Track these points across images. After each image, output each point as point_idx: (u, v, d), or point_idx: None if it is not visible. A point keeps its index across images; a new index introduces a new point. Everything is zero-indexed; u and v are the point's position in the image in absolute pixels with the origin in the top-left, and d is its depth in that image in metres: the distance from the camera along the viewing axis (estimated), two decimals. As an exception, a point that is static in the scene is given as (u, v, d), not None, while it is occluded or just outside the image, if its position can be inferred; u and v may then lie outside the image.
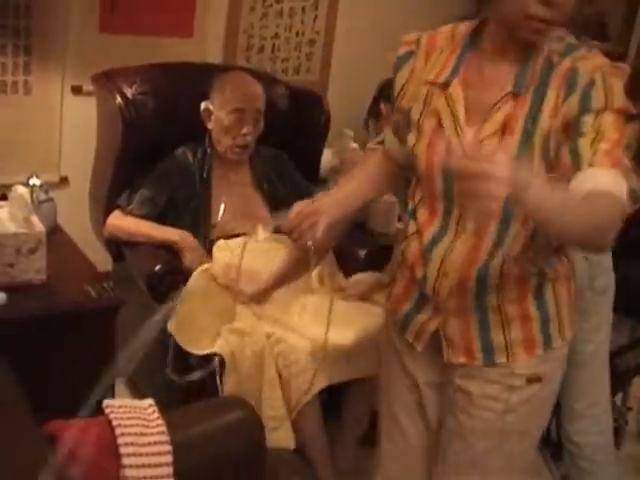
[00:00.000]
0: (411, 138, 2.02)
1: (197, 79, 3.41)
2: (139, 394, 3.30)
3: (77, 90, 3.76)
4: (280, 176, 3.47)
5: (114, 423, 1.86)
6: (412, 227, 2.06)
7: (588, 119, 1.77)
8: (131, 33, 3.85)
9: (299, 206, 2.14)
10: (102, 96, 3.42)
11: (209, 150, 3.34)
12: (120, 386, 3.30)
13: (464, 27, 2.00)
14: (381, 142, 2.92)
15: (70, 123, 3.78)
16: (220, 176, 3.34)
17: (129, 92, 3.29)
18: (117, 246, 3.32)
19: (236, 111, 3.26)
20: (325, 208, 2.13)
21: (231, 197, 3.33)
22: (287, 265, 3.05)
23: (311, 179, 3.63)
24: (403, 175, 2.24)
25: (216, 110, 3.29)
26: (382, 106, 3.14)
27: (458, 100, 1.91)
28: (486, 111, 1.88)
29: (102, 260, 3.36)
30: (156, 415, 1.95)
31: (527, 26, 1.79)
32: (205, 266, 3.11)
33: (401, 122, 2.10)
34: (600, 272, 2.86)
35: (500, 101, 1.86)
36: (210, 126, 3.31)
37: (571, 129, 1.79)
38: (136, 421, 1.91)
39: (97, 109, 3.47)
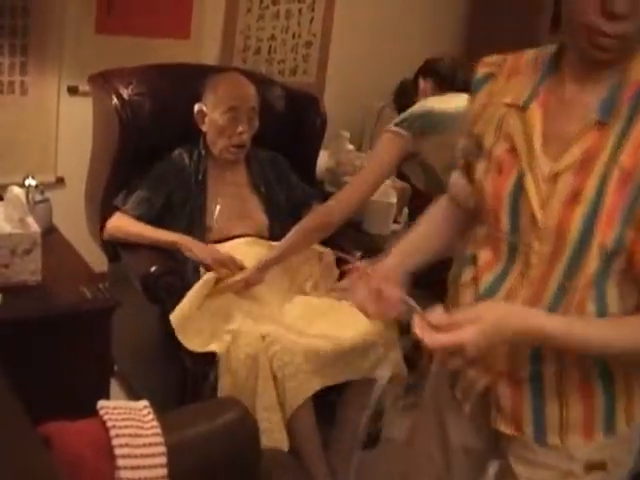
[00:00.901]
0: (480, 167, 1.78)
1: (193, 80, 3.41)
2: (134, 395, 3.30)
3: (73, 90, 3.76)
4: (277, 178, 3.47)
5: (109, 424, 1.85)
6: (468, 274, 1.83)
7: None
8: (128, 34, 3.85)
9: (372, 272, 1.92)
10: (98, 97, 3.41)
11: (204, 152, 3.34)
12: (115, 387, 3.31)
13: (547, 51, 1.77)
14: (399, 124, 2.94)
15: (66, 124, 3.78)
16: (216, 178, 3.34)
17: (125, 93, 3.29)
18: (113, 247, 3.32)
19: (230, 110, 3.25)
20: (393, 267, 1.95)
21: (227, 199, 3.33)
22: (298, 235, 3.05)
23: (307, 180, 3.63)
24: (470, 224, 1.93)
25: (210, 111, 3.28)
26: (421, 81, 3.17)
27: (536, 124, 1.68)
28: (566, 141, 1.63)
29: (98, 261, 3.36)
30: (151, 417, 1.95)
31: (592, 43, 1.56)
32: (210, 274, 3.12)
33: (471, 148, 1.86)
34: None
35: (582, 131, 1.61)
36: (204, 128, 3.31)
37: None
38: (131, 422, 1.91)
39: (93, 110, 3.47)
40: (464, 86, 3.02)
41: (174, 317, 2.95)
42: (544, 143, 1.67)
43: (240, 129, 3.28)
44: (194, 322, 2.98)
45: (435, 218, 2.07)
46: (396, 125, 2.95)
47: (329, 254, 3.36)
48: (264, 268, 3.16)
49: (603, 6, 1.52)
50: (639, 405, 1.74)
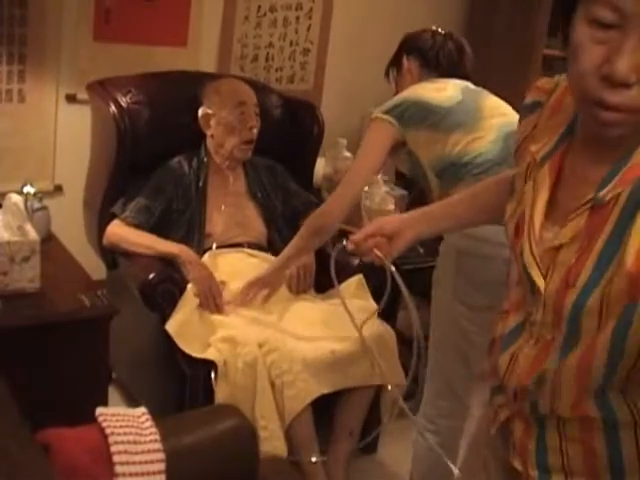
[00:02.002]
0: (509, 209, 1.61)
1: (191, 88, 3.42)
2: (133, 402, 3.30)
3: (71, 98, 3.76)
4: (274, 186, 3.48)
5: (107, 431, 1.86)
6: (505, 303, 1.67)
7: None
8: (125, 42, 3.85)
9: (380, 221, 2.02)
10: (96, 105, 3.42)
11: (205, 159, 3.35)
12: (114, 394, 3.31)
13: None
14: (389, 111, 2.86)
15: (64, 131, 3.78)
16: (215, 185, 3.36)
17: (123, 101, 3.30)
18: (111, 255, 3.33)
19: (239, 105, 3.32)
20: (411, 223, 2.02)
21: (226, 206, 3.35)
22: (297, 243, 3.00)
23: (305, 187, 3.64)
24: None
25: (217, 112, 3.32)
26: (404, 59, 3.11)
27: (541, 190, 1.48)
28: (567, 215, 1.42)
29: (96, 268, 3.37)
30: (149, 423, 1.95)
31: (595, 117, 1.30)
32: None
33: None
34: None
35: (581, 207, 1.39)
36: (210, 132, 3.33)
37: None
38: (129, 429, 1.91)
39: (91, 118, 3.48)
40: (452, 68, 3.00)
41: (170, 326, 2.95)
42: (551, 210, 1.48)
43: (250, 124, 3.33)
44: (191, 328, 2.99)
45: (478, 190, 2.07)
46: (385, 113, 2.77)
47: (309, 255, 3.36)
48: (267, 280, 3.16)
49: (603, 69, 1.25)
50: None
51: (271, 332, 3.01)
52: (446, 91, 2.83)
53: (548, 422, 1.51)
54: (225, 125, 3.31)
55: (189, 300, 3.04)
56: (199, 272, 3.13)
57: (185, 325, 2.98)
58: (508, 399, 1.58)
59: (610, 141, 1.35)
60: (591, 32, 1.27)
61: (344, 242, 1.99)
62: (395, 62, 3.09)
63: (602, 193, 1.34)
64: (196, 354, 2.93)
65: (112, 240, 3.27)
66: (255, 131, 3.35)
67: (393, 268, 1.90)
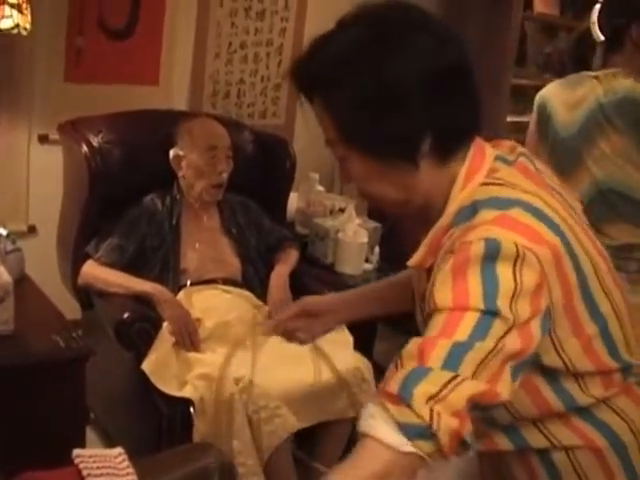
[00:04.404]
0: None
1: (163, 126, 3.44)
2: (110, 443, 3.29)
3: (44, 139, 3.76)
4: (248, 223, 3.49)
5: (84, 473, 1.86)
6: None
7: None
8: (97, 82, 3.87)
9: (305, 302, 1.97)
10: (68, 145, 3.43)
11: (178, 196, 3.35)
12: (92, 435, 3.29)
13: None
14: None
15: (37, 172, 3.78)
16: (189, 222, 3.36)
17: (95, 141, 3.31)
18: (86, 295, 3.32)
19: (209, 149, 3.30)
20: (338, 308, 1.96)
21: (201, 243, 3.35)
22: None
23: (278, 222, 3.65)
24: None
25: (187, 154, 3.31)
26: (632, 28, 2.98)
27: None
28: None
29: (71, 309, 3.36)
30: (126, 464, 1.95)
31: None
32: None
33: None
34: None
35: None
36: (181, 173, 3.33)
37: None
38: (106, 470, 1.91)
39: (63, 158, 3.49)
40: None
41: (146, 366, 2.95)
42: None
43: (220, 168, 3.31)
44: (167, 367, 2.99)
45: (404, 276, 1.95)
46: None
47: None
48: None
49: None
50: None
51: (247, 368, 3.00)
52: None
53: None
54: (195, 168, 3.30)
55: (165, 339, 3.04)
56: (174, 311, 3.13)
57: (161, 364, 2.98)
58: None
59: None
60: None
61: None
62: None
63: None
64: (173, 392, 2.92)
65: (86, 280, 3.27)
66: (225, 175, 3.34)
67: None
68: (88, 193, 3.30)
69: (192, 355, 3.07)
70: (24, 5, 3.07)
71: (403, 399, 1.23)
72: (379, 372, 3.33)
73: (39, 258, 3.43)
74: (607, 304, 1.53)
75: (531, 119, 2.97)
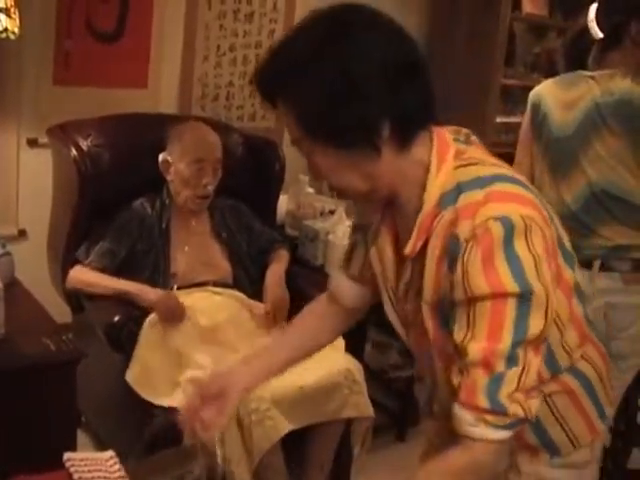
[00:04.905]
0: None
1: (152, 130, 3.44)
2: (102, 446, 3.29)
3: (33, 143, 3.77)
4: (238, 226, 3.48)
5: (75, 477, 1.87)
6: None
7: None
8: (86, 85, 3.87)
9: (201, 385, 1.92)
10: (57, 149, 3.43)
11: (167, 201, 3.35)
12: (83, 438, 3.29)
13: None
14: None
15: (27, 176, 3.78)
16: (179, 226, 3.35)
17: (84, 144, 3.31)
18: (76, 298, 3.32)
19: (196, 162, 3.27)
20: (241, 370, 1.96)
21: (191, 246, 3.34)
22: None
23: (268, 224, 3.66)
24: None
25: (175, 162, 3.29)
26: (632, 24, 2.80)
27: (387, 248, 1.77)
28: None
29: (62, 312, 3.36)
30: (117, 467, 1.96)
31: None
32: (152, 316, 3.12)
33: None
34: (621, 336, 2.79)
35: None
36: (169, 178, 3.32)
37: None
38: (97, 473, 1.92)
39: (53, 162, 3.49)
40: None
41: (129, 377, 2.96)
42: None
43: (205, 181, 3.29)
44: (152, 374, 3.00)
45: (309, 316, 2.07)
46: None
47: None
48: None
49: None
50: (583, 430, 1.81)
51: None
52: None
53: None
54: (181, 178, 3.28)
55: (148, 339, 3.04)
56: (157, 294, 3.13)
57: (145, 372, 2.99)
58: None
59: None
60: None
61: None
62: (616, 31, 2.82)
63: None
64: (159, 401, 2.93)
65: (74, 285, 3.26)
66: (210, 188, 3.31)
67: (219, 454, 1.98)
68: (78, 196, 3.30)
69: (182, 352, 3.07)
70: (12, 9, 3.07)
71: (498, 411, 1.49)
72: (369, 373, 3.35)
73: (29, 262, 3.43)
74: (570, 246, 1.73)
75: (524, 117, 2.97)
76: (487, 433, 1.51)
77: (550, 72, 2.94)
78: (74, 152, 3.29)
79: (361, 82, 1.50)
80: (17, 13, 3.12)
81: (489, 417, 1.49)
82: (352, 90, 1.49)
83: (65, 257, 3.34)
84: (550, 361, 1.67)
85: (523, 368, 1.48)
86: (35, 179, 3.75)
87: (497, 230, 1.47)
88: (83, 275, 3.24)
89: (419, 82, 1.58)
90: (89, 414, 3.44)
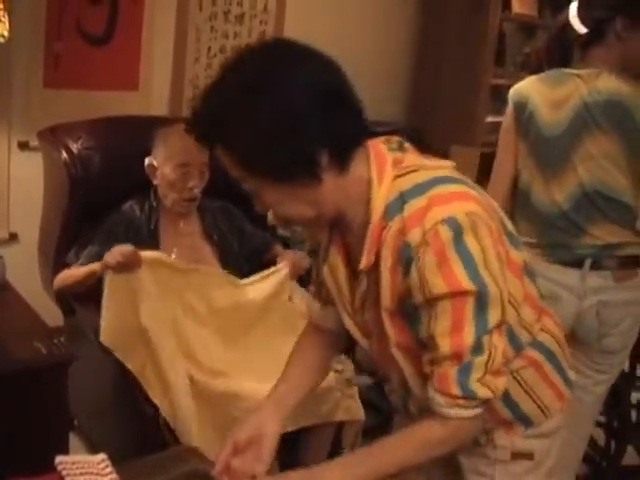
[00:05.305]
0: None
1: (142, 132, 3.43)
2: (94, 449, 3.29)
3: (24, 146, 3.76)
4: (229, 227, 3.47)
5: (66, 480, 1.86)
6: None
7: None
8: (76, 87, 3.86)
9: (232, 434, 1.94)
10: (48, 152, 3.43)
11: (155, 203, 3.33)
12: (76, 442, 3.29)
13: None
14: None
15: (18, 179, 3.77)
16: (169, 228, 3.34)
17: (74, 147, 3.31)
18: (67, 301, 3.32)
19: (182, 166, 3.23)
20: (267, 417, 1.97)
21: (181, 248, 3.33)
22: None
23: (259, 225, 3.65)
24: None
25: (161, 166, 3.26)
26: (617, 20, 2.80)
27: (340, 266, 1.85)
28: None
29: (53, 315, 3.35)
30: (109, 469, 1.96)
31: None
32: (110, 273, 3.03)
33: None
34: (612, 332, 2.84)
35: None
36: (156, 182, 3.30)
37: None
38: (89, 476, 1.92)
39: (43, 165, 3.49)
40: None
41: (104, 336, 2.94)
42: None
43: (191, 184, 3.26)
44: (127, 332, 2.97)
45: (303, 349, 2.09)
46: None
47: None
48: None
49: None
50: (552, 399, 1.93)
51: (230, 369, 2.99)
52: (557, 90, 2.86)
53: None
54: (167, 181, 3.25)
55: (113, 293, 3.00)
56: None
57: (120, 330, 2.96)
58: None
59: None
60: None
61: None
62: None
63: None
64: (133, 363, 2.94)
65: (58, 285, 3.24)
66: (197, 191, 3.28)
67: None
68: (68, 199, 3.30)
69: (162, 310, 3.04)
70: (2, 13, 3.07)
71: (469, 397, 1.64)
72: (360, 372, 3.35)
73: (20, 265, 3.43)
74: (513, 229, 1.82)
75: (506, 116, 2.94)
76: (461, 413, 1.66)
77: (540, 72, 2.93)
78: (64, 155, 3.29)
79: (294, 118, 1.55)
80: (7, 16, 3.12)
81: (461, 402, 1.65)
82: (287, 127, 1.54)
83: (56, 260, 3.34)
84: (512, 340, 1.77)
85: (489, 354, 1.62)
86: (26, 182, 3.74)
87: (446, 232, 1.56)
88: (63, 274, 3.23)
89: (349, 105, 1.63)
90: (82, 417, 3.44)
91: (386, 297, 1.69)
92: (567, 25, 2.83)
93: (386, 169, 1.67)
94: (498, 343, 1.64)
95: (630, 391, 3.61)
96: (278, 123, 1.54)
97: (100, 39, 3.91)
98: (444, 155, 4.79)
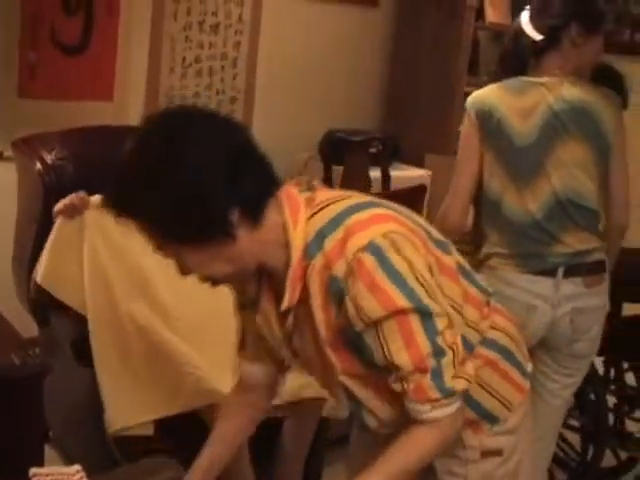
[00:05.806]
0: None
1: (117, 142, 3.35)
2: (69, 460, 3.27)
3: (-2, 156, 3.75)
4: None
5: (40, 492, 1.86)
6: None
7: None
8: (51, 98, 3.87)
9: None
10: (22, 162, 3.42)
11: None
12: (51, 453, 3.27)
13: None
14: None
15: (-8, 189, 3.76)
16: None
17: (49, 158, 3.30)
18: (42, 311, 3.30)
19: None
20: None
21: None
22: None
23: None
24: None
25: None
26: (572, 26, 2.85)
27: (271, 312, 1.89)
28: None
29: (28, 326, 3.33)
30: (83, 481, 1.95)
31: None
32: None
33: None
34: (583, 338, 2.87)
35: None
36: None
37: None
38: (63, 488, 1.91)
39: (17, 175, 3.47)
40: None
41: (41, 281, 2.99)
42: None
43: None
44: (67, 272, 3.01)
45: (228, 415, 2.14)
46: None
47: None
48: None
49: None
50: (512, 395, 1.97)
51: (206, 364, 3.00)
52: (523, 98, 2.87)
53: None
54: None
55: (58, 237, 3.06)
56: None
57: (61, 272, 3.02)
58: None
59: None
60: None
61: None
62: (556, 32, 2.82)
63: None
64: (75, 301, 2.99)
65: (33, 288, 3.22)
66: None
67: None
68: (42, 209, 3.28)
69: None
70: (-25, 23, 3.07)
71: (449, 395, 1.70)
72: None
73: (-6, 276, 3.42)
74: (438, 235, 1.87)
75: (465, 126, 2.92)
76: (446, 411, 1.71)
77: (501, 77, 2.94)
78: (38, 165, 3.27)
79: (200, 186, 1.60)
80: (-20, 26, 3.12)
81: (444, 401, 1.70)
82: (194, 196, 1.59)
83: (30, 270, 3.31)
84: (462, 342, 1.79)
85: (452, 351, 1.69)
86: (0, 192, 3.72)
87: (368, 259, 1.61)
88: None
89: (253, 160, 1.70)
90: (57, 429, 3.42)
91: (323, 332, 1.73)
92: (519, 32, 2.85)
93: (299, 210, 1.71)
94: (454, 338, 1.71)
95: (606, 395, 3.64)
96: (184, 194, 1.59)
97: (75, 49, 3.91)
98: (419, 163, 4.83)
